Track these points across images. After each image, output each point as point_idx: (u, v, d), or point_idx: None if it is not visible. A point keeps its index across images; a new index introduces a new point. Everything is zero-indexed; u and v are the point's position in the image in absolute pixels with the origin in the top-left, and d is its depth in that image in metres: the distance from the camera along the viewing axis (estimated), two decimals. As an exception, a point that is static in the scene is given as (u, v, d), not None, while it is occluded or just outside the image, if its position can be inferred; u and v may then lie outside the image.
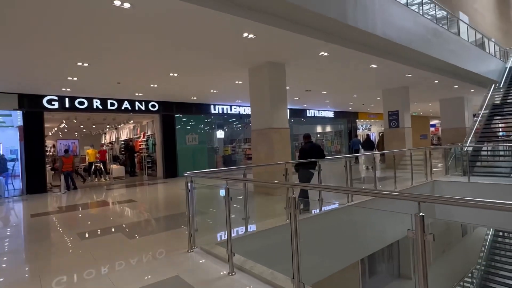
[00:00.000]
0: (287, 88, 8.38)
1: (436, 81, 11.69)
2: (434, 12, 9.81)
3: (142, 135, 15.80)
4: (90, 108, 11.34)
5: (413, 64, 9.11)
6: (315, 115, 19.54)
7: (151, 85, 9.92)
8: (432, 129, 32.56)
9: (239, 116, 16.15)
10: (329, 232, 5.41)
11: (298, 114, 18.79)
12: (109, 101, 11.74)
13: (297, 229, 2.48)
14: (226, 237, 4.13)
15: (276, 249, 4.52)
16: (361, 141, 16.52)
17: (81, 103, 11.11)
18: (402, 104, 12.52)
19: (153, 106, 12.97)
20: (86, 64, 7.21)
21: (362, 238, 5.79)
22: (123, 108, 12.14)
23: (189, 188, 4.02)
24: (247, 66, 8.11)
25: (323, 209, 5.60)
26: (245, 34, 5.83)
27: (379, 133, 26.05)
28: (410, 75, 10.25)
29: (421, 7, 8.97)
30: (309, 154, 5.47)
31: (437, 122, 33.67)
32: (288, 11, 5.40)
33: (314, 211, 5.57)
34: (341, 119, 21.70)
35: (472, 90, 14.50)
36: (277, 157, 7.65)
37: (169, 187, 10.70)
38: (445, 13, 10.90)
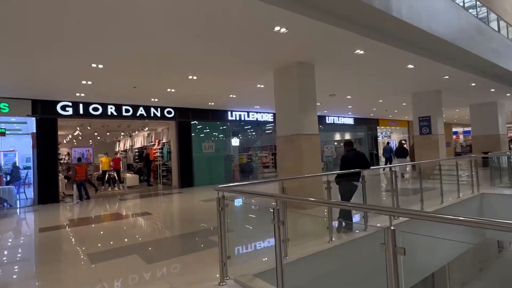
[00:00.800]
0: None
1: (473, 84, 10.76)
2: (474, 8, 8.97)
3: (157, 143, 15.30)
4: (104, 115, 10.88)
5: (454, 63, 8.27)
6: (335, 122, 18.71)
7: (168, 90, 9.37)
8: (454, 136, 31.14)
9: (257, 123, 15.50)
10: (373, 259, 4.62)
11: (319, 120, 17.96)
12: (124, 107, 11.27)
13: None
14: (265, 266, 3.40)
15: (327, 280, 3.75)
16: (393, 149, 15.70)
17: (95, 109, 10.66)
18: (434, 109, 11.60)
19: (169, 112, 12.45)
20: (100, 66, 6.69)
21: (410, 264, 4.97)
22: (138, 114, 11.65)
23: (221, 205, 3.29)
24: (273, 67, 7.45)
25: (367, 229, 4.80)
26: (277, 28, 5.17)
27: (400, 140, 24.96)
28: (447, 76, 9.38)
29: (462, 1, 8.16)
30: (353, 163, 4.71)
31: (459, 129, 32.20)
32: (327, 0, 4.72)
33: (358, 231, 4.77)
34: (361, 126, 20.78)
35: (508, 94, 13.46)
36: (307, 167, 6.91)
37: (185, 198, 10.04)
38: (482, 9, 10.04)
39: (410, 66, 7.98)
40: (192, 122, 13.16)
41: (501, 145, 15.91)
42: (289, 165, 7.22)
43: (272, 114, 15.62)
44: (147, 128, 14.11)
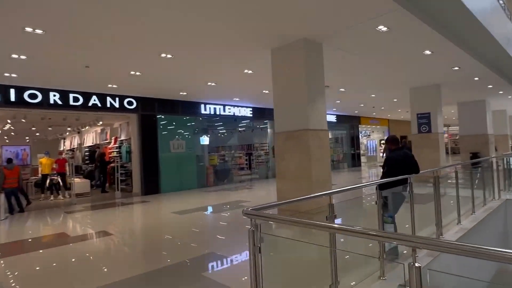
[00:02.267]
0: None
1: (476, 78, 10.46)
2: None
3: (113, 140, 13.46)
4: (45, 104, 9.02)
5: (470, 49, 7.70)
6: (317, 119, 17.99)
7: (132, 73, 7.84)
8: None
9: (234, 119, 14.26)
10: None
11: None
12: (71, 95, 9.47)
13: None
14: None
15: None
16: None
17: (32, 96, 8.77)
18: (434, 105, 11.19)
19: (130, 103, 10.80)
20: (39, 31, 5.09)
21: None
22: (90, 104, 9.88)
23: (255, 241, 2.07)
24: (270, 45, 6.30)
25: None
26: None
27: (380, 140, 25.09)
28: (457, 68, 8.87)
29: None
30: (404, 167, 3.70)
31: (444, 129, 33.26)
32: None
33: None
34: (343, 124, 20.35)
35: (501, 92, 13.54)
36: (316, 170, 5.87)
37: (152, 209, 8.54)
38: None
39: (428, 52, 7.26)
40: (158, 116, 11.60)
41: (489, 145, 16.19)
42: (292, 168, 6.12)
43: (250, 109, 14.49)
44: (101, 123, 12.28)
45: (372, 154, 25.60)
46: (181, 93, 10.72)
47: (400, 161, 3.75)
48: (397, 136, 4.40)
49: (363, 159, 23.81)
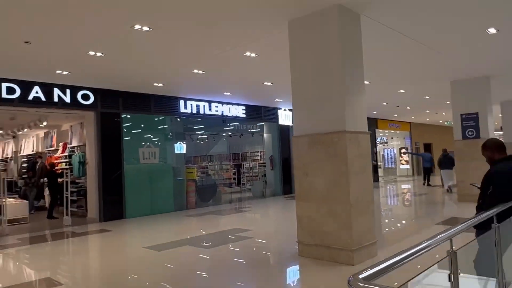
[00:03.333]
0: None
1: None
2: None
3: (61, 148, 12.40)
4: (-34, 95, 8.01)
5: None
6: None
7: (91, 53, 6.96)
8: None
9: (222, 119, 13.46)
10: None
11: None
12: (4, 85, 8.48)
13: None
14: None
15: None
16: (433, 158, 17.01)
17: None
18: (482, 103, 10.72)
19: (86, 97, 9.86)
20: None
21: None
22: (30, 98, 8.90)
23: None
24: (288, 14, 5.57)
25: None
26: None
27: (400, 149, 24.76)
28: (520, 54, 8.40)
29: None
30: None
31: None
32: None
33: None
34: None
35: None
36: (355, 188, 5.13)
37: (116, 242, 7.58)
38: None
39: (493, 30, 6.70)
40: (123, 115, 10.68)
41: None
42: (319, 185, 5.35)
43: (243, 107, 13.74)
44: (45, 123, 11.22)
45: (390, 165, 25.20)
46: (155, 84, 9.85)
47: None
48: (502, 142, 3.67)
49: (379, 172, 23.35)
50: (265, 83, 10.23)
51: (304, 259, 5.44)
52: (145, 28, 5.86)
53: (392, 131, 23.52)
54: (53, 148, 13.13)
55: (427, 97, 14.03)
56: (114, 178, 10.27)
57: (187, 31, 6.14)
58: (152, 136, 11.41)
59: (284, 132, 15.37)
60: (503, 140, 12.43)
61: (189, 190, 12.32)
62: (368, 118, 17.78)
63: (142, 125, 11.27)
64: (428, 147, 26.18)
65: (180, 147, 13.69)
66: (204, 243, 6.87)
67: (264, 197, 14.74)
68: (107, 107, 10.31)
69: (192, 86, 10.32)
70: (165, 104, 11.52)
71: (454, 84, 11.08)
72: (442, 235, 2.02)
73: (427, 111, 18.41)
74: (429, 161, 16.29)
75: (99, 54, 7.02)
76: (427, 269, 3.65)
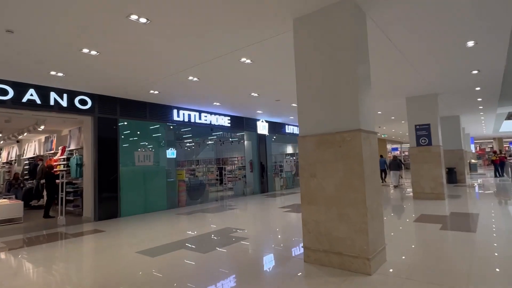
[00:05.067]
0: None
1: (478, 88, 9.20)
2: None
3: (60, 151, 10.22)
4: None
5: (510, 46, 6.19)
6: (294, 132, 16.12)
7: (85, 50, 5.17)
8: (396, 152, 32.07)
9: (210, 128, 11.75)
10: None
11: (278, 128, 15.12)
12: (-5, 85, 6.45)
13: None
14: None
15: None
16: (386, 161, 16.61)
17: None
18: (432, 116, 9.75)
19: (83, 102, 7.92)
20: None
21: None
22: (24, 100, 6.89)
23: None
24: (294, 11, 4.11)
25: None
26: None
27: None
28: (476, 71, 7.40)
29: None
30: None
31: (399, 146, 33.34)
32: None
33: None
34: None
35: (481, 107, 12.71)
36: (369, 191, 3.66)
37: (108, 244, 5.68)
38: None
39: (471, 43, 5.57)
40: (120, 122, 8.78)
41: (464, 161, 15.44)
42: (329, 189, 3.85)
43: (228, 118, 12.14)
44: (42, 127, 9.08)
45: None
46: (151, 91, 8.07)
47: None
48: None
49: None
50: (253, 93, 8.71)
51: (311, 266, 3.89)
52: (142, 20, 4.20)
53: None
54: (52, 151, 10.88)
55: (379, 112, 13.04)
56: (111, 179, 8.32)
57: (184, 28, 4.53)
58: (147, 141, 9.54)
59: (261, 140, 13.92)
60: (442, 148, 11.63)
61: (180, 190, 10.47)
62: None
63: (138, 131, 9.39)
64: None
65: (172, 153, 11.83)
66: (199, 246, 5.15)
67: (244, 195, 13.14)
68: (104, 112, 8.38)
69: (186, 95, 8.60)
70: (160, 112, 9.73)
71: (409, 99, 10.08)
72: None
73: (379, 126, 17.57)
74: (383, 165, 15.48)
75: (93, 52, 5.24)
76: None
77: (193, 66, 6.18)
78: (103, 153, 8.32)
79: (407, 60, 6.35)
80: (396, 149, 31.91)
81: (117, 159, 8.59)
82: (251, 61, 5.98)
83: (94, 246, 5.53)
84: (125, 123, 9.01)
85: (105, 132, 8.40)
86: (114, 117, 8.61)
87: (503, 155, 17.82)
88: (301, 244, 4.63)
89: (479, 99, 10.98)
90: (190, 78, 6.94)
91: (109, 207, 8.26)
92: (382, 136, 24.25)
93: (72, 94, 7.67)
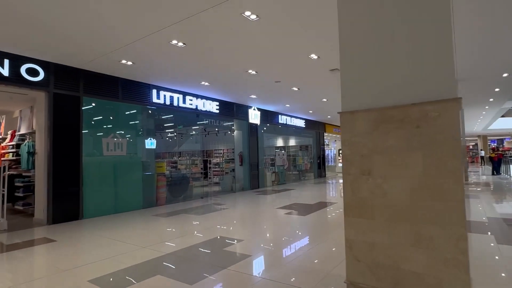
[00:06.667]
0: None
1: (506, 74, 8.04)
2: None
3: (10, 136, 8.30)
4: None
5: None
6: (287, 123, 14.69)
7: (14, -19, 3.44)
8: None
9: (196, 114, 10.09)
10: None
11: (271, 118, 13.63)
12: None
13: None
14: None
15: None
16: None
17: None
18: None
19: (33, 72, 6.11)
20: None
21: None
22: None
23: None
24: None
25: None
26: None
27: (339, 150, 22.83)
28: (506, 74, 6.15)
29: None
30: None
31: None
32: None
33: None
34: (311, 130, 17.38)
35: (491, 99, 11.71)
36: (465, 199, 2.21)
37: (56, 270, 4.02)
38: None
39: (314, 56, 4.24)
40: (85, 101, 7.01)
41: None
42: (397, 193, 2.40)
43: (217, 103, 10.54)
44: (-16, 105, 7.17)
45: (330, 163, 23.20)
46: (123, 61, 6.34)
47: None
48: None
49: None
50: (250, 70, 7.16)
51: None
52: None
53: (334, 135, 21.46)
54: (0, 137, 8.91)
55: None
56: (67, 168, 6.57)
57: None
58: (120, 128, 7.82)
59: (252, 130, 12.41)
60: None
61: (159, 185, 8.80)
62: (318, 122, 15.28)
63: (109, 115, 7.65)
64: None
65: (151, 143, 10.11)
66: (182, 270, 3.61)
67: (233, 191, 11.63)
68: (63, 88, 6.59)
69: (167, 68, 6.93)
70: (136, 91, 7.99)
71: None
72: None
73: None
74: None
75: (28, -16, 3.52)
76: None
77: (177, 22, 4.54)
78: (61, 138, 6.55)
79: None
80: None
81: (80, 146, 6.83)
82: (256, 16, 4.41)
83: (29, 270, 3.86)
84: (93, 104, 7.25)
85: (64, 113, 6.62)
86: (76, 94, 6.83)
87: (500, 152, 17.17)
88: (340, 275, 3.20)
89: (497, 89, 9.90)
90: (173, 42, 5.29)
91: (67, 207, 6.53)
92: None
93: (16, 60, 5.84)
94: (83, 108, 6.94)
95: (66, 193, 6.52)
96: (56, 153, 6.44)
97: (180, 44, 5.37)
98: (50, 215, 6.31)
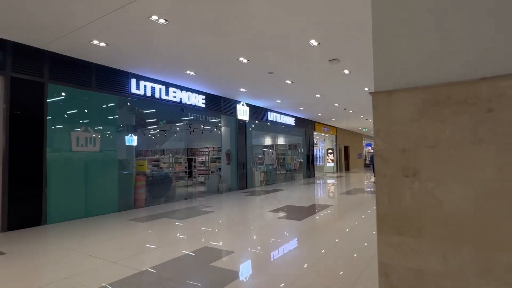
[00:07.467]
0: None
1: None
2: None
3: (-37, 128, 7.20)
4: None
5: None
6: (276, 120, 14.05)
7: None
8: (369, 148, 31.25)
9: (180, 108, 9.25)
10: None
11: (260, 114, 12.93)
12: None
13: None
14: None
15: None
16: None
17: None
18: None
19: (-16, 50, 5.15)
20: None
21: None
22: None
23: None
24: None
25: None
26: None
27: (327, 149, 22.41)
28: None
29: None
30: None
31: (372, 142, 32.58)
32: None
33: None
34: (300, 128, 16.82)
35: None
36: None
37: (9, 282, 3.17)
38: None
39: None
40: (50, 88, 6.07)
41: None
42: (455, 201, 1.73)
43: (203, 97, 9.75)
44: None
45: (318, 163, 22.78)
46: (95, 41, 5.46)
47: None
48: None
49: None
50: (241, 58, 6.42)
51: None
52: None
53: (323, 134, 21.02)
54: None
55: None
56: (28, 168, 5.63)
57: None
58: (93, 121, 6.90)
59: (241, 127, 11.68)
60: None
61: (138, 186, 7.93)
62: (308, 120, 14.69)
63: (79, 104, 6.73)
64: (346, 149, 24.39)
65: (131, 139, 9.21)
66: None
67: (219, 192, 10.86)
68: (24, 71, 5.65)
69: (148, 53, 6.10)
70: (112, 79, 7.11)
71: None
72: None
73: (361, 116, 16.00)
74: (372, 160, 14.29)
75: None
76: None
77: (159, -11, 3.75)
78: (20, 131, 5.60)
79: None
80: (369, 144, 31.14)
81: (43, 141, 5.90)
82: (254, -15, 3.69)
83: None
84: (61, 92, 6.33)
85: (24, 101, 5.68)
86: (40, 80, 5.89)
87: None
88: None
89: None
90: (154, 18, 4.49)
91: (27, 210, 5.60)
92: (364, 130, 23.06)
93: (-38, 36, 4.89)
94: (48, 96, 6.01)
95: (25, 194, 5.59)
96: (13, 148, 5.49)
97: (162, 20, 4.58)
98: (4, 221, 5.36)
